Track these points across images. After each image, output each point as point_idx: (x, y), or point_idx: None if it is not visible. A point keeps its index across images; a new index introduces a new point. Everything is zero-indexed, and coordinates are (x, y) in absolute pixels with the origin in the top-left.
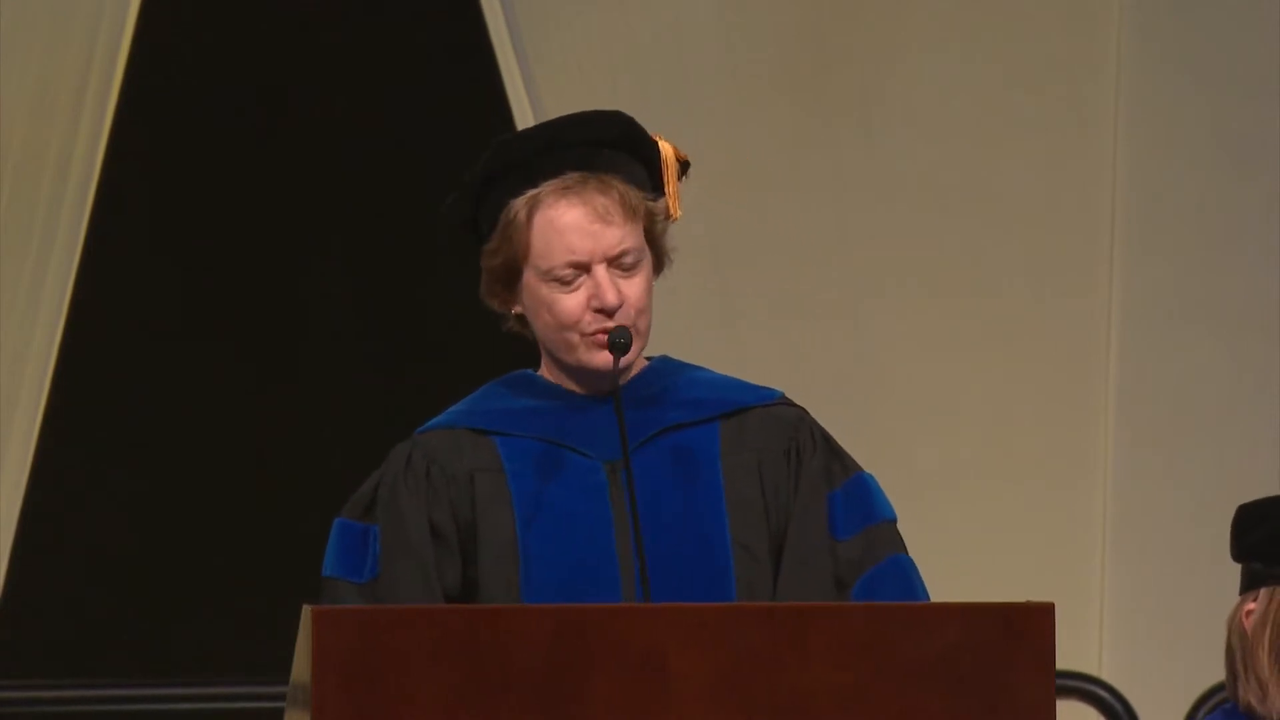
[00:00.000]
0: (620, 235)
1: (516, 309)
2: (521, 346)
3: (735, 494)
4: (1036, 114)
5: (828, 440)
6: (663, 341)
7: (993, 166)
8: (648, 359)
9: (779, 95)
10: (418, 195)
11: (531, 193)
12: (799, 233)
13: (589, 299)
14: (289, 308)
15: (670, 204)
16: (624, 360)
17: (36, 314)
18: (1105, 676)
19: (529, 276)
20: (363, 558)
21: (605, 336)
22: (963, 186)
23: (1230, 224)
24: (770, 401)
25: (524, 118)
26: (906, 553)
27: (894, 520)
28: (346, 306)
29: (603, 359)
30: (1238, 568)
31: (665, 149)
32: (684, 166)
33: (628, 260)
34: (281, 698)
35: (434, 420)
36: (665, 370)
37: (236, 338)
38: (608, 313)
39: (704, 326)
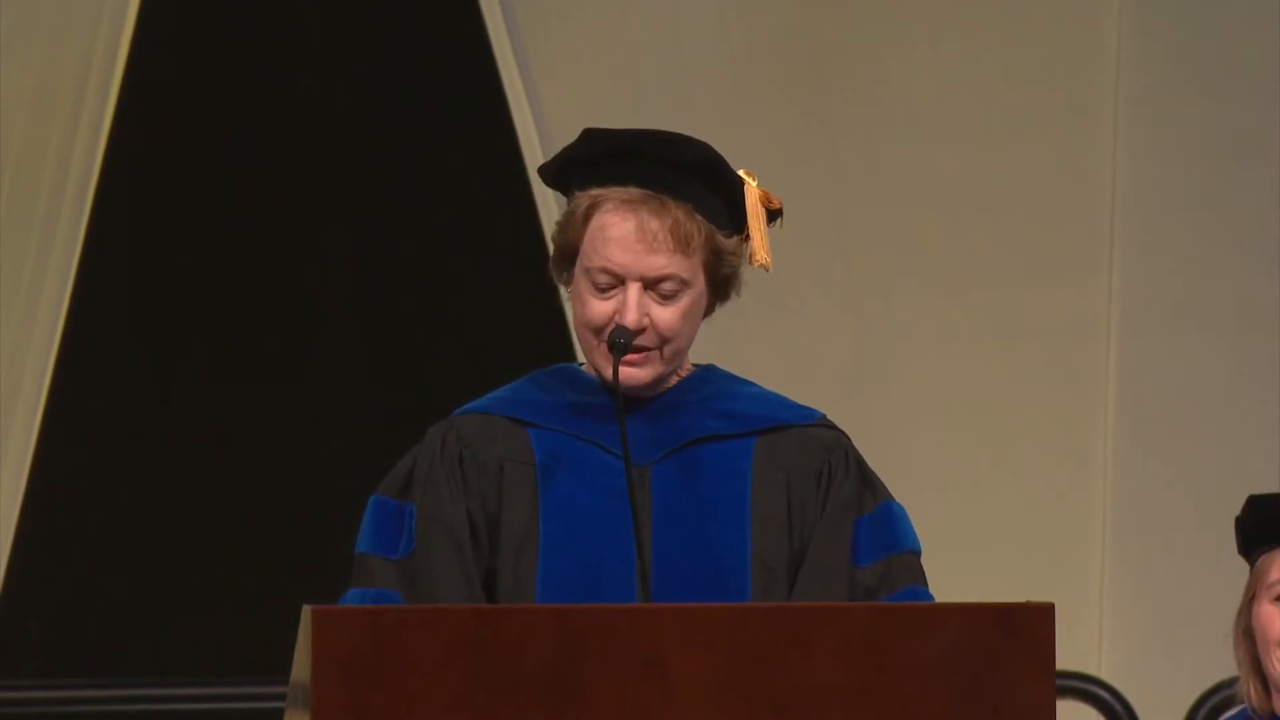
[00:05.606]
0: (663, 263)
1: (569, 289)
2: (523, 353)
3: (761, 510)
4: (1036, 112)
5: (861, 466)
6: None
7: (993, 164)
8: (694, 366)
9: (779, 95)
10: (418, 195)
11: (596, 192)
12: (799, 233)
13: (615, 311)
14: (289, 307)
15: (756, 251)
16: (639, 381)
17: (36, 313)
18: (1105, 676)
19: (577, 268)
20: (398, 535)
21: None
22: (963, 185)
23: (1230, 222)
24: (809, 422)
25: (523, 117)
26: (926, 586)
27: (918, 552)
28: (347, 306)
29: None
30: (1238, 566)
31: (751, 193)
32: (773, 215)
33: (666, 288)
34: (281, 698)
35: (473, 404)
36: (709, 379)
37: (237, 337)
38: (627, 333)
39: (703, 326)
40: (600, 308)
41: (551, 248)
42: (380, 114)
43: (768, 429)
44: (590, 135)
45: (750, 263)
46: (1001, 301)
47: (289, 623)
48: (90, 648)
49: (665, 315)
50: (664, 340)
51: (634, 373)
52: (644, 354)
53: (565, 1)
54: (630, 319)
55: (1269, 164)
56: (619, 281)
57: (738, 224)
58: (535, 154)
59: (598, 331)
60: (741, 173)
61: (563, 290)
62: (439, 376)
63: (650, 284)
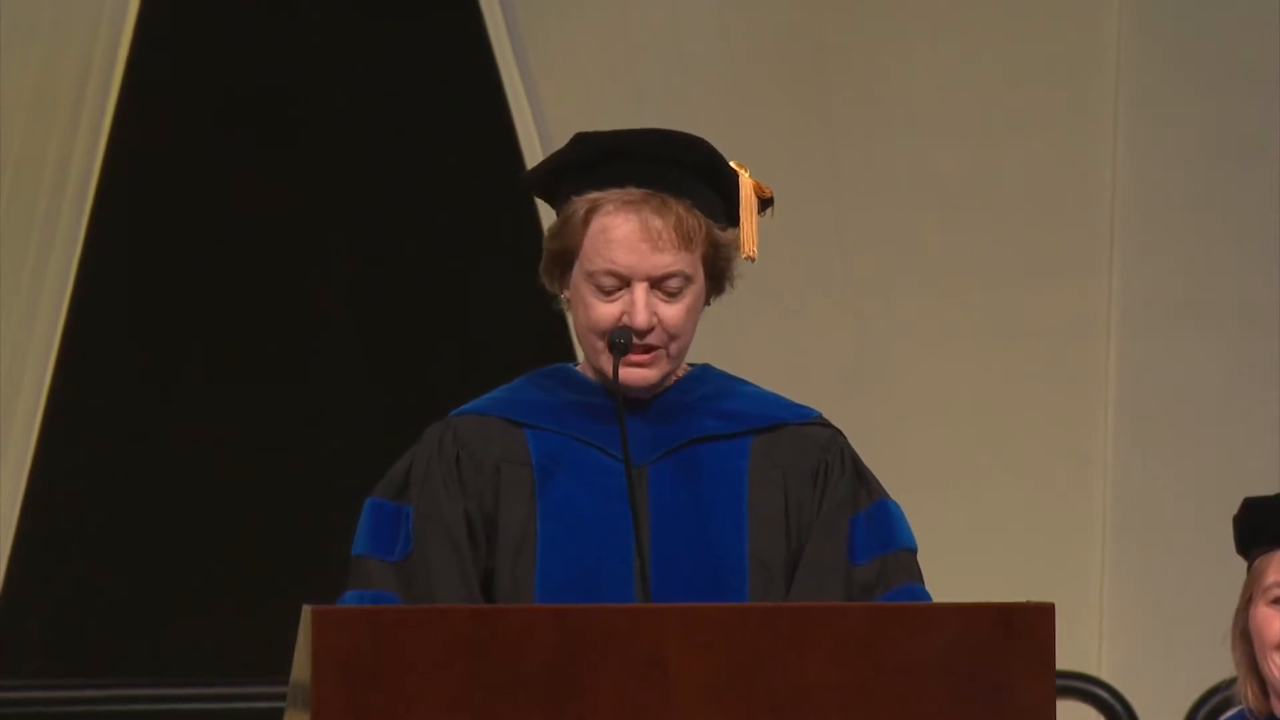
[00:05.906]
0: (669, 261)
1: (565, 294)
2: (523, 353)
3: (758, 509)
4: (1036, 112)
5: (857, 464)
6: None
7: (993, 164)
8: (690, 365)
9: (779, 95)
10: (418, 195)
11: (594, 195)
12: (799, 233)
13: (621, 313)
14: (289, 307)
15: (744, 242)
16: (649, 381)
17: (36, 313)
18: (1105, 676)
19: (577, 272)
20: (395, 536)
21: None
22: (963, 185)
23: (1230, 222)
24: (805, 420)
25: (523, 117)
26: (923, 583)
27: (914, 550)
28: (347, 306)
29: (622, 375)
30: (1238, 567)
31: (745, 184)
32: (764, 203)
33: (672, 285)
34: (281, 698)
35: (470, 404)
36: (706, 379)
37: (237, 337)
38: (636, 333)
39: (703, 326)
40: (606, 310)
41: (544, 254)
42: (380, 114)
43: (764, 428)
44: (583, 139)
45: (737, 253)
46: (1001, 301)
47: (289, 623)
48: (90, 648)
49: (672, 313)
50: (671, 338)
51: (644, 373)
52: (653, 353)
53: (565, 1)
54: (641, 319)
55: (1269, 164)
56: (624, 283)
57: (732, 217)
58: (535, 154)
59: (605, 333)
60: (733, 164)
61: (560, 297)
62: (439, 376)
63: (656, 282)
